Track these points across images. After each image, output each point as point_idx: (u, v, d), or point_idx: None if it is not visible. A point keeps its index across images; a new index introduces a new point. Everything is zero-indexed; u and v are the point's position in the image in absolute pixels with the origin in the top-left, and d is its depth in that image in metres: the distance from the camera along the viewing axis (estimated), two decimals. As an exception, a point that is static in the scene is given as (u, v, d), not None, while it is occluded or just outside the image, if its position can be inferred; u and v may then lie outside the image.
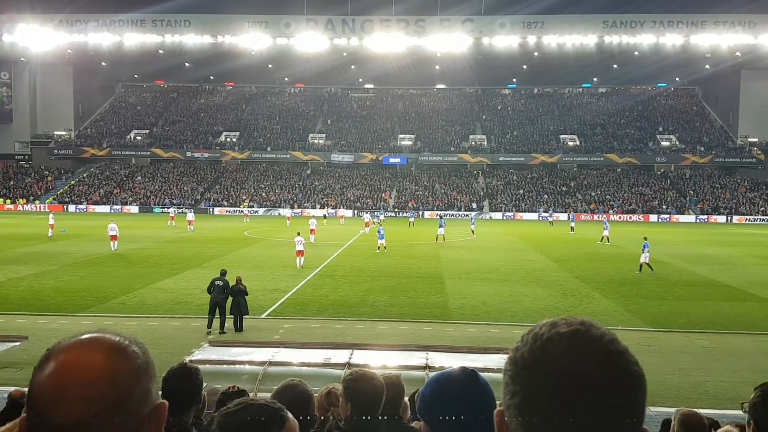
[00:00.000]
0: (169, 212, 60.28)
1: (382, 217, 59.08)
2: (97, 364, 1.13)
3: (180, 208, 70.08)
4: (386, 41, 75.49)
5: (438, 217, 57.78)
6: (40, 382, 1.14)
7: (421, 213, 73.00)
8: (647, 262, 29.78)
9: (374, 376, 3.33)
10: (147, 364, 1.21)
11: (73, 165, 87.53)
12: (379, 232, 37.71)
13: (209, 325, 17.72)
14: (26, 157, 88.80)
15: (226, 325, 17.89)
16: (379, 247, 36.59)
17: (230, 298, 17.97)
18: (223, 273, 18.67)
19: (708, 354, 16.63)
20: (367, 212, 63.50)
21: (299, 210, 73.35)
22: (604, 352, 1.10)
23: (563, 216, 71.36)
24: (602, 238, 43.11)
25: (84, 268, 29.23)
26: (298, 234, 31.38)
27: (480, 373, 1.99)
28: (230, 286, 18.00)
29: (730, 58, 76.28)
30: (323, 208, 74.65)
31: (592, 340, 1.10)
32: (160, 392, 1.26)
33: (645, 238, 31.31)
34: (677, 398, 12.96)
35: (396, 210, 73.94)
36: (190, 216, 52.34)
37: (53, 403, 1.11)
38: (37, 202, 77.26)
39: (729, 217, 72.36)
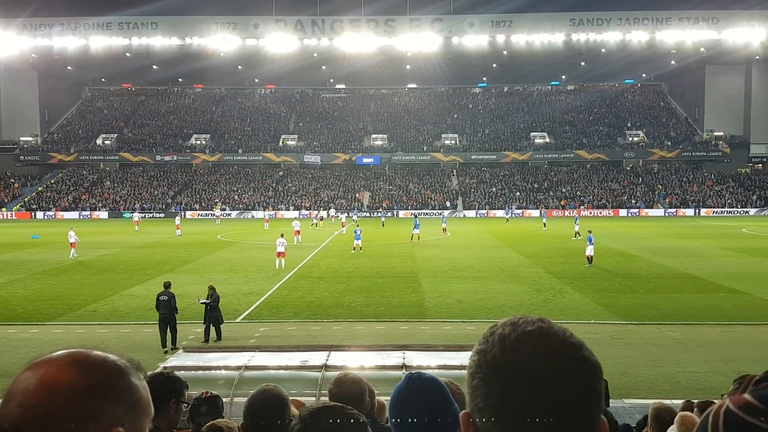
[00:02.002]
0: (132, 217, 59.46)
1: (355, 217, 59.04)
2: (42, 376, 1.15)
3: (143, 213, 69.11)
4: (356, 41, 75.43)
5: (413, 216, 58.02)
6: (9, 386, 1.18)
7: (395, 213, 73.06)
8: (592, 254, 30.64)
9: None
10: (108, 387, 1.17)
11: (40, 171, 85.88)
12: (356, 232, 37.67)
13: (163, 344, 16.45)
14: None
15: (176, 338, 16.72)
16: (354, 248, 36.58)
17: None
18: (167, 285, 17.17)
19: (679, 345, 16.93)
20: (344, 213, 63.51)
21: (273, 212, 72.97)
22: (569, 346, 1.16)
23: (535, 212, 72.33)
24: (575, 233, 44.02)
25: (54, 276, 28.73)
26: (282, 236, 30.92)
27: (438, 378, 2.06)
28: (172, 299, 16.76)
29: (694, 53, 77.77)
30: (297, 210, 74.47)
31: (557, 336, 1.17)
32: (129, 416, 1.20)
33: (590, 232, 31.99)
34: (650, 390, 13.18)
35: (378, 210, 73.50)
36: (177, 220, 51.91)
37: (2, 405, 1.15)
38: (3, 209, 75.67)
39: (697, 210, 73.75)
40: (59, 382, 1.14)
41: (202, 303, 17.33)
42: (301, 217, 64.99)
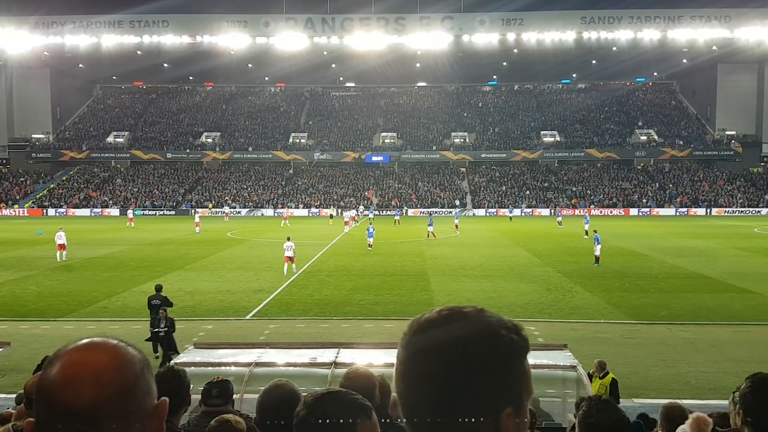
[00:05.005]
0: (127, 214, 60.42)
1: (371, 215, 59.45)
2: (106, 355, 1.22)
3: (135, 210, 69.50)
4: (367, 39, 75.42)
5: (428, 214, 58.35)
6: (50, 374, 1.20)
7: (405, 211, 73.06)
8: (598, 254, 30.54)
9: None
10: (147, 361, 1.29)
11: (51, 168, 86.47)
12: (368, 230, 37.74)
13: (155, 349, 15.78)
14: (4, 161, 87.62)
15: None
16: (370, 245, 36.62)
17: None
18: (158, 289, 16.96)
19: (689, 345, 16.85)
20: (349, 210, 63.48)
21: (284, 210, 73.17)
22: (476, 322, 1.21)
23: (545, 211, 72.29)
24: (586, 232, 43.90)
25: (65, 273, 28.93)
26: (288, 239, 29.03)
27: None
28: (165, 303, 16.24)
29: (706, 52, 77.21)
30: (306, 208, 74.76)
31: (463, 313, 1.24)
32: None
33: (595, 231, 32.01)
34: (660, 389, 13.14)
35: (403, 207, 73.59)
36: (197, 218, 52.19)
37: (65, 389, 1.17)
38: (16, 206, 76.26)
39: (708, 210, 73.29)
40: (127, 359, 1.23)
41: (154, 332, 15.58)
42: (335, 216, 64.28)
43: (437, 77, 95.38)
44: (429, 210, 71.15)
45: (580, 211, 72.19)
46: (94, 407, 1.16)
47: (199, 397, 4.39)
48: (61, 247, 32.52)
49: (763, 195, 75.93)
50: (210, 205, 74.10)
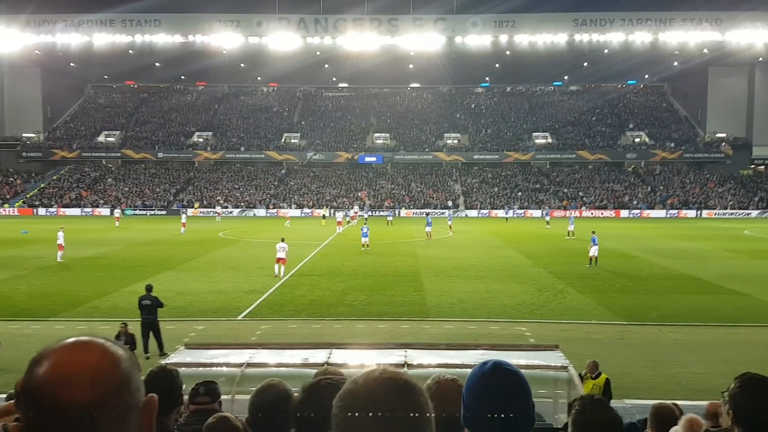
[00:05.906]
0: (114, 214, 61.21)
1: (365, 215, 59.65)
2: (97, 353, 1.21)
3: (126, 210, 69.70)
4: (359, 40, 75.39)
5: (424, 215, 58.71)
6: (39, 374, 1.18)
7: (397, 212, 73.03)
8: (596, 255, 30.68)
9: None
10: (135, 358, 1.28)
11: (42, 168, 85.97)
12: (362, 230, 37.82)
13: (145, 350, 15.90)
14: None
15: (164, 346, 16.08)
16: (363, 245, 36.62)
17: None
18: (149, 289, 16.88)
19: (680, 346, 16.94)
20: (341, 211, 63.43)
21: (275, 210, 73.05)
22: (392, 374, 1.45)
23: (537, 213, 72.49)
24: (568, 232, 44.55)
25: (56, 272, 28.79)
26: (282, 240, 28.62)
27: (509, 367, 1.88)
28: (155, 303, 16.27)
29: (697, 55, 77.61)
30: (299, 208, 74.65)
31: (387, 370, 1.46)
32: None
33: (593, 233, 32.15)
34: (651, 390, 13.19)
35: (397, 208, 73.66)
36: (183, 218, 52.29)
37: (59, 388, 1.15)
38: (6, 206, 75.77)
39: (699, 212, 73.65)
40: (117, 356, 1.22)
41: None
42: (327, 216, 63.97)
43: (430, 78, 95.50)
44: (424, 210, 71.25)
45: (571, 213, 72.55)
46: (92, 404, 1.15)
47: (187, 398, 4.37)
48: (59, 247, 32.47)
49: (753, 197, 76.42)
50: (196, 205, 73.77)
